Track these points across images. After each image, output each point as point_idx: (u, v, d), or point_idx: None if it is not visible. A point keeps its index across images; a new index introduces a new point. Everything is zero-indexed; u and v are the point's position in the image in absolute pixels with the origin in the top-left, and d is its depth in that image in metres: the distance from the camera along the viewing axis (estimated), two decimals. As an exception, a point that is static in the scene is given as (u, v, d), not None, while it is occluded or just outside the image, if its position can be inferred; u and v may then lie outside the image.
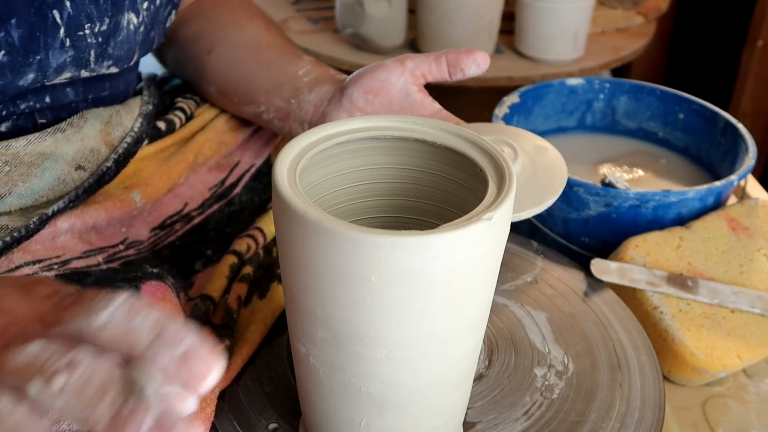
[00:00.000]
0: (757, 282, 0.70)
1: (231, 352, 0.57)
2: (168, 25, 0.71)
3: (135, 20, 0.63)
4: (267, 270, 0.66)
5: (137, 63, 0.72)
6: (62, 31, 0.56)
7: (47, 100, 0.61)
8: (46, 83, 0.59)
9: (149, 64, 0.82)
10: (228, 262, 0.63)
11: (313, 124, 0.66)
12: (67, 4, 0.55)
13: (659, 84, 0.95)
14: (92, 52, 0.59)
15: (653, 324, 0.67)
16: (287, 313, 0.46)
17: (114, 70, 0.63)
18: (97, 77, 0.64)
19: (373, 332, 0.40)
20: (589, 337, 0.62)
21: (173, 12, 0.71)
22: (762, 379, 0.68)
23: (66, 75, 0.59)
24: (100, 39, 0.59)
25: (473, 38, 1.33)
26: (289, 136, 0.69)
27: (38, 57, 0.55)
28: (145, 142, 0.68)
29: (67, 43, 0.56)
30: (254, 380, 0.56)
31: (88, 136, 0.62)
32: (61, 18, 0.55)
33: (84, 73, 0.60)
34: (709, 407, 0.66)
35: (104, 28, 0.59)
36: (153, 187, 0.67)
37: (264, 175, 0.74)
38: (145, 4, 0.64)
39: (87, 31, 0.57)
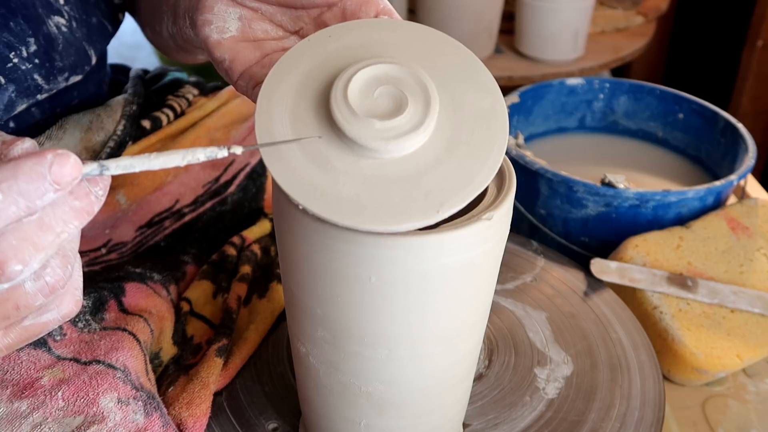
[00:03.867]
0: (756, 282, 0.70)
1: (230, 351, 0.57)
2: None
3: (63, 20, 0.58)
4: (266, 270, 0.66)
5: (103, 58, 0.68)
6: None
7: (11, 125, 0.58)
8: (6, 118, 0.55)
9: (147, 61, 0.80)
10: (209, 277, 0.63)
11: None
12: None
13: (659, 84, 0.95)
14: (37, 76, 0.54)
15: (653, 324, 0.67)
16: (287, 313, 0.46)
17: (76, 78, 0.59)
18: (63, 90, 0.60)
19: (373, 332, 0.40)
20: (589, 337, 0.62)
21: None
22: (762, 379, 0.68)
23: (21, 107, 0.55)
24: (37, 60, 0.54)
25: (473, 38, 1.33)
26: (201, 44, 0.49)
27: None
28: (129, 143, 0.67)
29: (2, 81, 0.52)
30: (254, 380, 0.56)
31: (67, 147, 0.60)
32: None
33: (42, 96, 0.56)
34: (708, 407, 0.66)
35: (34, 47, 0.54)
36: (139, 187, 0.66)
37: (258, 176, 0.73)
38: (62, 0, 0.59)
39: (16, 60, 0.52)
